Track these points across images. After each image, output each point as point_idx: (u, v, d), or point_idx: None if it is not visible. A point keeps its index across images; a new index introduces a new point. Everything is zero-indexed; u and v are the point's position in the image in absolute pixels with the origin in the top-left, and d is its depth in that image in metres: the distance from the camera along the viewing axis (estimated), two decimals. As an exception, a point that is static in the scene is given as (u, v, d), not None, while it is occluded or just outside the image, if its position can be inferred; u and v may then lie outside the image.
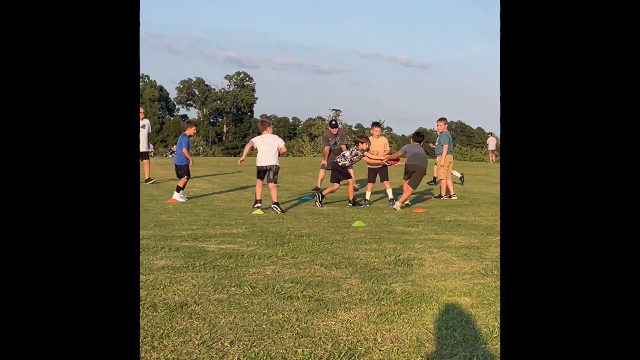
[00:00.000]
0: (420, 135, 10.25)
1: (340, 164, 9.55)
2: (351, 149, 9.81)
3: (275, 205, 8.70)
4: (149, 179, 13.34)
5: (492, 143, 30.38)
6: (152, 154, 33.88)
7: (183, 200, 9.99)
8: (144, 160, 13.17)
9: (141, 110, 13.75)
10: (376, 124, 11.22)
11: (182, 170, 10.29)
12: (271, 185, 8.79)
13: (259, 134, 9.08)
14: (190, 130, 10.63)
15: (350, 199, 9.81)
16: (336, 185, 9.67)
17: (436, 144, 11.46)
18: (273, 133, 9.17)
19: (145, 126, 13.44)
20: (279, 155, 8.87)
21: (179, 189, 10.16)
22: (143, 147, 13.21)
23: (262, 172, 8.83)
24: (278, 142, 8.88)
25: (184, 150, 10.25)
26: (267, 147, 8.76)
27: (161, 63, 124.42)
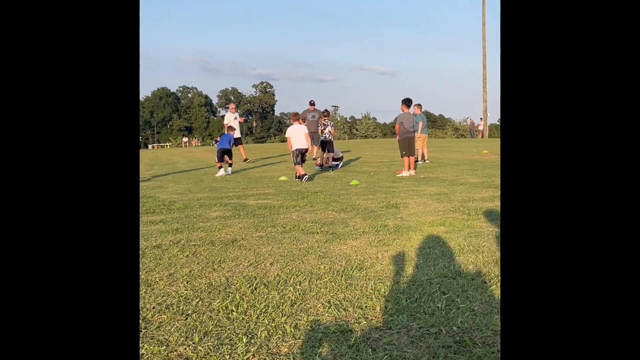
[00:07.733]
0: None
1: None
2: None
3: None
4: (246, 159, 12.58)
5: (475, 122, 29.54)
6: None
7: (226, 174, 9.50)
8: (239, 146, 12.27)
9: (232, 105, 12.66)
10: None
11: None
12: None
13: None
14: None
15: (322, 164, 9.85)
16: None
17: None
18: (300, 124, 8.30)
19: (236, 117, 12.34)
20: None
21: (231, 165, 9.83)
22: (238, 134, 12.14)
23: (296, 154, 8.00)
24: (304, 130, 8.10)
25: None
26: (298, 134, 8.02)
27: (208, 80, 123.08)
